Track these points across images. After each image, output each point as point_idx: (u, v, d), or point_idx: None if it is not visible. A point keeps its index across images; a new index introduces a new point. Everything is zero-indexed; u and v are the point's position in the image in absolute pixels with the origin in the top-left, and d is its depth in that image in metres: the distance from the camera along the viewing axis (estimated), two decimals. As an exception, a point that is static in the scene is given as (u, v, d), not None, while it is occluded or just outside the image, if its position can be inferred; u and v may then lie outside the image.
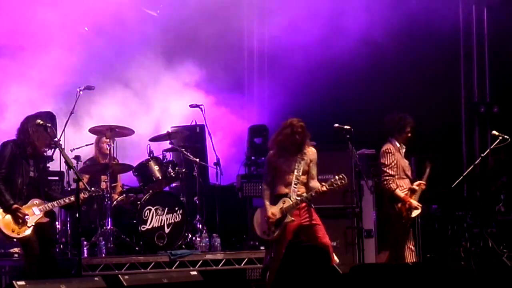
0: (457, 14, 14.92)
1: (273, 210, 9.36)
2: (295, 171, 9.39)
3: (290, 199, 9.35)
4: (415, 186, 10.17)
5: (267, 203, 9.43)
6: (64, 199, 9.27)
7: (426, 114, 13.82)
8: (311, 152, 9.50)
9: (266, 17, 14.12)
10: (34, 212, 9.01)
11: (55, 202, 9.20)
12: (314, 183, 9.49)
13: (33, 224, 8.96)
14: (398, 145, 10.21)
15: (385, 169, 10.12)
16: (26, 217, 8.92)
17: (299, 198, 9.35)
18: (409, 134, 10.23)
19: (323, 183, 9.46)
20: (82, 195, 9.22)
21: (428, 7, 13.85)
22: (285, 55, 13.74)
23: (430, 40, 14.25)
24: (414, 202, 10.04)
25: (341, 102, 13.40)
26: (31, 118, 9.16)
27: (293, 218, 9.34)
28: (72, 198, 9.17)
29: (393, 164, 10.12)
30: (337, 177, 9.43)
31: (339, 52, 13.19)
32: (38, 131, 9.01)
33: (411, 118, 10.28)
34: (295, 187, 9.40)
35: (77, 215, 8.87)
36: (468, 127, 15.16)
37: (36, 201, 9.06)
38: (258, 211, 9.58)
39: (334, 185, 9.41)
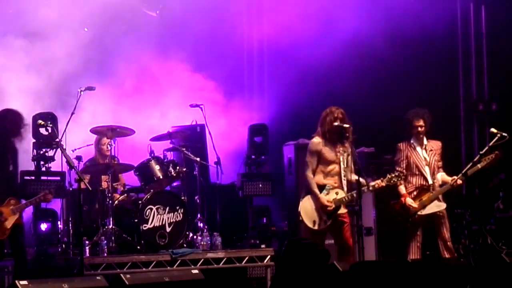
0: (455, 11, 14.97)
1: (329, 199, 9.36)
2: (341, 163, 9.42)
3: (343, 190, 9.36)
4: (449, 180, 10.22)
5: (317, 191, 9.39)
6: (36, 198, 9.36)
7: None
8: (349, 146, 9.51)
9: (265, 15, 14.15)
10: (12, 213, 9.08)
11: (28, 202, 9.28)
12: (354, 176, 9.44)
13: (11, 225, 9.05)
14: (412, 141, 10.30)
15: (394, 165, 10.25)
16: (5, 220, 9.02)
17: (363, 188, 9.28)
18: (418, 129, 10.26)
19: (382, 178, 9.51)
20: (48, 196, 9.33)
21: (426, 4, 13.89)
22: (285, 53, 13.78)
23: (428, 38, 14.30)
24: (409, 201, 10.10)
25: (340, 100, 13.39)
26: (7, 112, 9.23)
27: (345, 210, 9.36)
28: (42, 198, 9.34)
29: (400, 160, 10.23)
30: (394, 174, 9.49)
31: (338, 51, 13.24)
32: (16, 125, 9.10)
33: (415, 113, 10.30)
34: (344, 179, 9.41)
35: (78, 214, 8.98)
36: (466, 125, 15.23)
37: (12, 200, 9.12)
38: (306, 201, 9.53)
39: (392, 181, 9.47)
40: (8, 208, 9.03)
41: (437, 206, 10.17)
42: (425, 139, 10.34)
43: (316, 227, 9.46)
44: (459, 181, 10.17)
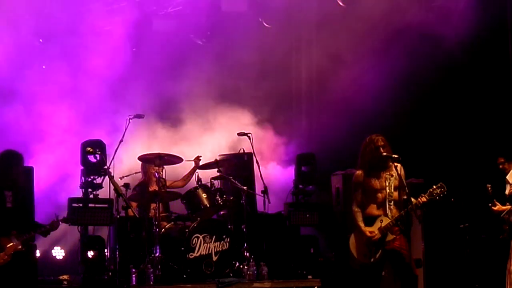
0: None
1: (371, 230, 9.21)
2: (387, 188, 9.19)
3: (387, 217, 9.16)
4: None
5: (362, 224, 9.11)
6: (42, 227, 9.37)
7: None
8: (398, 167, 9.17)
9: (314, 47, 14.14)
10: (11, 241, 9.07)
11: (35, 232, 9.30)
12: (402, 196, 9.12)
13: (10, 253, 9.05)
14: None
15: None
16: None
17: (402, 212, 8.95)
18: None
19: (422, 194, 9.20)
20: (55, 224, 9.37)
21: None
22: (333, 84, 13.69)
23: (477, 62, 13.91)
24: None
25: (389, 131, 13.27)
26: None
27: (395, 236, 9.11)
28: (48, 227, 9.32)
29: None
30: (435, 186, 9.22)
31: (387, 83, 13.11)
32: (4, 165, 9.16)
33: None
34: (390, 205, 9.20)
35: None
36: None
37: (14, 231, 9.10)
38: (352, 236, 9.25)
39: (434, 194, 9.16)
40: (8, 237, 9.05)
41: None
42: None
43: (367, 260, 9.21)
44: None
